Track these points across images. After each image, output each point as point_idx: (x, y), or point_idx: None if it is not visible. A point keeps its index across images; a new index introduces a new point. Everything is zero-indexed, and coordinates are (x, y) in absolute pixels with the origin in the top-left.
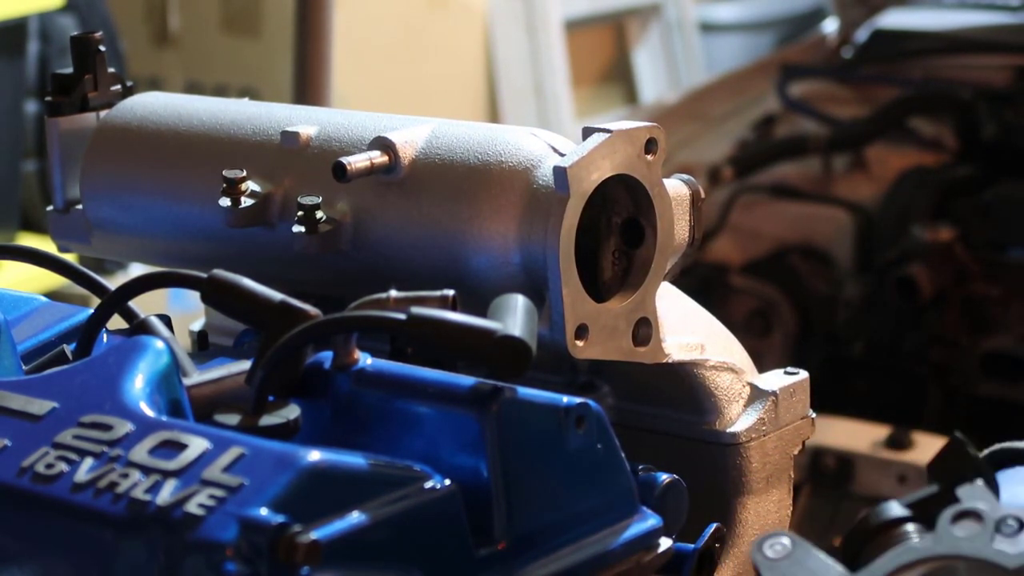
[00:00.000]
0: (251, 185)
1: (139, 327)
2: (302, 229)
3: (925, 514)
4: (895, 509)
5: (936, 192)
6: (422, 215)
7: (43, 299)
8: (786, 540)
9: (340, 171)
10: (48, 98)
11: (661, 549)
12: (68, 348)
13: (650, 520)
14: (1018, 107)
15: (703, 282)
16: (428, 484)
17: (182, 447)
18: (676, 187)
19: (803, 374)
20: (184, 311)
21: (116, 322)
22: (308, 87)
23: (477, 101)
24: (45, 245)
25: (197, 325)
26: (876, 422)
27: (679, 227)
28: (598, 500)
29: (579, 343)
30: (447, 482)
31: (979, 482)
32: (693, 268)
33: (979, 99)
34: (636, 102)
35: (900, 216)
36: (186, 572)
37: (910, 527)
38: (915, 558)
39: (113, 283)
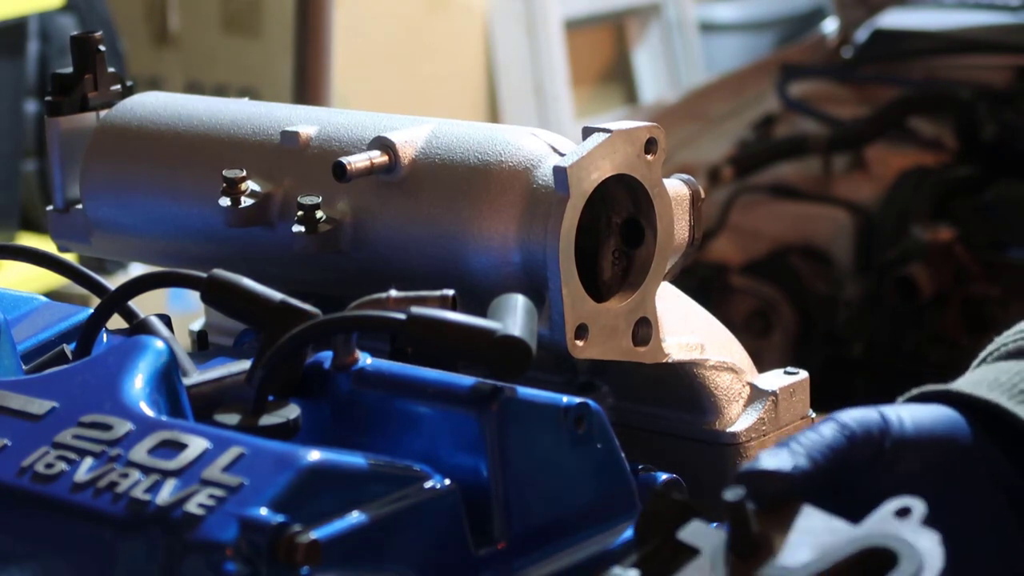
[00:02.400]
0: (251, 185)
1: (139, 327)
2: (302, 229)
3: (652, 569)
4: (622, 573)
5: (936, 192)
6: (422, 215)
7: (43, 299)
8: None
9: (340, 171)
10: (48, 98)
11: None
12: (68, 348)
13: None
14: (1018, 107)
15: (703, 282)
16: (428, 484)
17: (182, 447)
18: (676, 187)
19: (803, 374)
20: (184, 311)
21: (116, 322)
22: (308, 87)
23: (477, 101)
24: (45, 245)
25: (197, 325)
26: None
27: (679, 227)
28: (598, 500)
29: (579, 343)
30: (447, 482)
31: (696, 522)
32: (693, 268)
33: (979, 99)
34: (636, 102)
35: (900, 216)
36: (186, 572)
37: None
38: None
39: (113, 283)
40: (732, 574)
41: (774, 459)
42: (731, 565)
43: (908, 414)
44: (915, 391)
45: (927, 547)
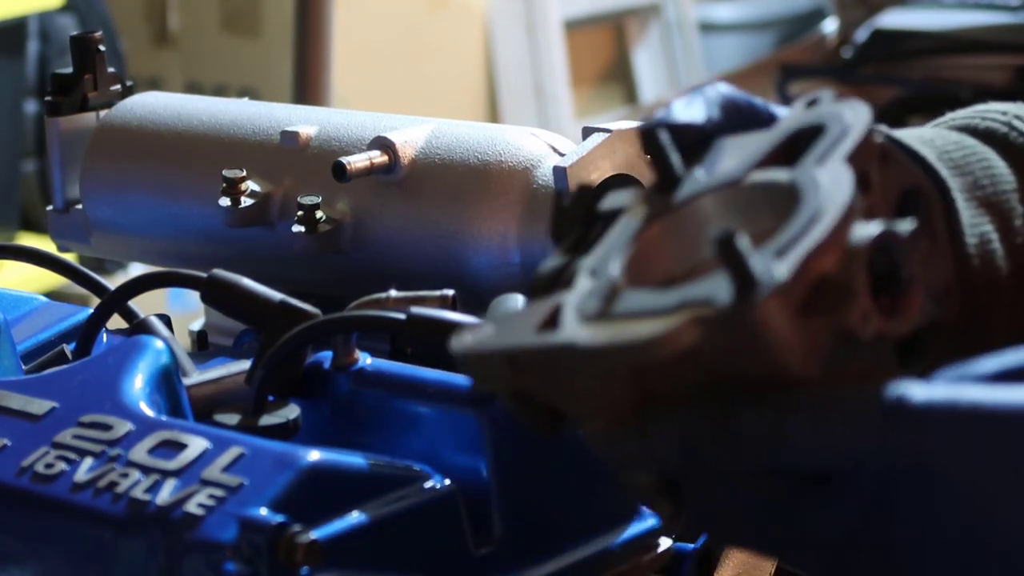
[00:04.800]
0: (251, 185)
1: (139, 327)
2: (302, 229)
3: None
4: (556, 260)
5: None
6: (422, 215)
7: (43, 299)
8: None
9: (340, 171)
10: (48, 98)
11: (660, 549)
12: (68, 348)
13: (649, 520)
14: None
15: None
16: (428, 484)
17: (182, 447)
18: None
19: None
20: (184, 311)
21: (116, 322)
22: (308, 87)
23: (477, 101)
24: (45, 245)
25: (197, 325)
26: None
27: None
28: (599, 499)
29: None
30: (447, 482)
31: (612, 192)
32: None
33: (979, 99)
34: (636, 102)
35: None
36: (186, 572)
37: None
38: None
39: (113, 283)
40: (657, 208)
41: (688, 111)
42: (656, 201)
43: None
44: None
45: (852, 114)
